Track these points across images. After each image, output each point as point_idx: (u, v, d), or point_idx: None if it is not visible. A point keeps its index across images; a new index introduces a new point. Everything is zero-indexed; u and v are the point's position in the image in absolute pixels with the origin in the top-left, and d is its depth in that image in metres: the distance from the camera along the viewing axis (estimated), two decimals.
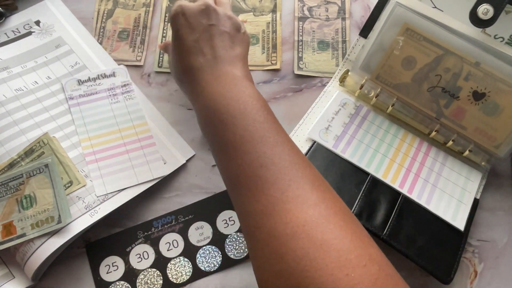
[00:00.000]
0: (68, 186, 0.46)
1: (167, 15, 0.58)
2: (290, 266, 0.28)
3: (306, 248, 0.28)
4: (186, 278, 0.46)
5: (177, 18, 0.43)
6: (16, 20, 0.56)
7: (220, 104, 0.37)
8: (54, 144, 0.47)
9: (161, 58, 0.56)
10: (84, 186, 0.46)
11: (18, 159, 0.46)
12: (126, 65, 0.55)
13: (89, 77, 0.52)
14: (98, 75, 0.53)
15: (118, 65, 0.54)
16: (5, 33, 0.55)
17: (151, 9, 0.59)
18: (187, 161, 0.51)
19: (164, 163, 0.49)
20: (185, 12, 0.42)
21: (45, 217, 0.43)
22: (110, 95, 0.52)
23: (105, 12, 0.58)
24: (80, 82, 0.52)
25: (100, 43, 0.56)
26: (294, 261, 0.28)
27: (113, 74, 0.53)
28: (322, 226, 0.29)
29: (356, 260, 0.28)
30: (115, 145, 0.49)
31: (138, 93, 0.53)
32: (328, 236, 0.29)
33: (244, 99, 0.37)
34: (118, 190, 0.47)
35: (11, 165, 0.46)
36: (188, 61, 0.42)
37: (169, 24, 0.58)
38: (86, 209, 0.45)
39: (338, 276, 0.27)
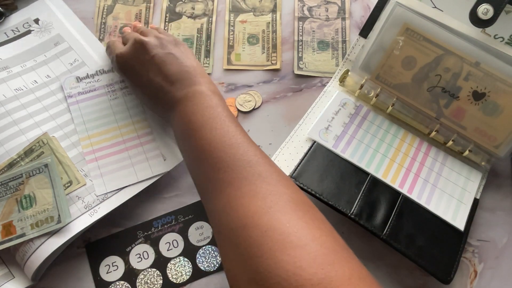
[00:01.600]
0: (68, 186, 0.46)
1: (167, 15, 0.58)
2: (243, 254, 0.31)
3: (254, 236, 0.31)
4: (186, 278, 0.46)
5: (120, 67, 0.48)
6: (15, 19, 0.56)
7: (185, 123, 0.41)
8: (54, 144, 0.47)
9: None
10: (84, 185, 0.46)
11: (18, 159, 0.46)
12: None
13: (87, 73, 0.52)
14: (96, 71, 0.52)
15: None
16: (5, 33, 0.55)
17: (151, 5, 0.59)
18: None
19: (164, 160, 0.49)
20: (125, 59, 0.47)
21: (45, 217, 0.43)
22: (109, 91, 0.52)
23: (105, 8, 0.58)
24: (78, 79, 0.51)
25: (102, 39, 0.56)
26: (245, 249, 0.31)
27: (111, 70, 0.53)
28: (269, 215, 0.32)
29: (297, 241, 0.30)
30: (115, 142, 0.49)
31: None
32: (273, 222, 0.32)
33: (203, 113, 0.40)
34: (118, 189, 0.47)
35: (11, 165, 0.46)
36: (151, 97, 0.45)
37: (170, 24, 0.58)
38: (85, 208, 0.45)
39: (280, 257, 0.30)
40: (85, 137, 0.49)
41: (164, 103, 0.44)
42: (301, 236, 0.31)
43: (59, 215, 0.43)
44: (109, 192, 0.46)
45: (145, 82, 0.45)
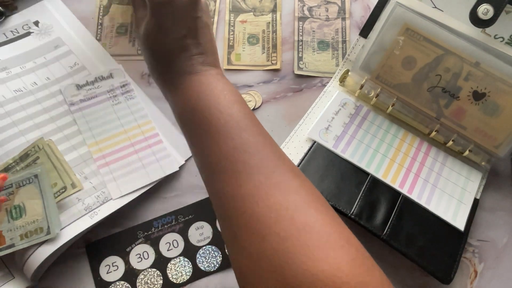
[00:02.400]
0: (62, 192, 0.45)
1: None
2: (272, 247, 0.29)
3: (289, 230, 0.29)
4: (186, 278, 0.46)
5: (163, 7, 0.39)
6: (15, 21, 0.56)
7: (202, 92, 0.37)
8: (50, 148, 0.47)
9: None
10: (80, 190, 0.46)
11: (13, 164, 0.46)
12: (128, 60, 0.55)
13: (86, 80, 0.52)
14: (95, 77, 0.52)
15: (120, 60, 0.54)
16: (4, 34, 0.55)
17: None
18: (186, 160, 0.51)
19: (173, 159, 0.50)
20: (174, 2, 0.39)
21: (34, 228, 0.43)
22: (110, 97, 0.52)
23: (101, 8, 0.58)
24: (78, 87, 0.51)
25: (99, 40, 0.56)
26: (277, 242, 0.29)
27: (110, 76, 0.53)
28: (304, 211, 0.31)
29: (335, 242, 0.29)
30: (123, 146, 0.49)
31: (138, 92, 0.53)
32: (309, 219, 0.30)
33: (228, 89, 0.38)
34: (133, 191, 0.47)
35: (6, 169, 0.45)
36: (170, 57, 0.39)
37: None
38: (86, 210, 0.45)
39: (319, 256, 0.28)
40: (93, 143, 0.49)
41: (181, 67, 0.39)
42: (339, 237, 0.30)
43: (48, 226, 0.43)
44: (125, 195, 0.47)
45: (175, 34, 0.38)
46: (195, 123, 0.37)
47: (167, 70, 0.40)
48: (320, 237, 0.29)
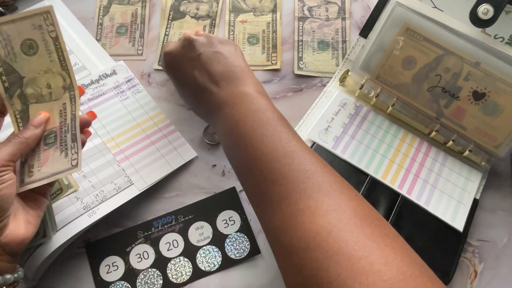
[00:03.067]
0: (58, 194, 0.45)
1: (171, 13, 0.58)
2: (307, 279, 0.29)
3: (319, 260, 0.28)
4: (186, 278, 0.46)
5: (167, 65, 0.47)
6: None
7: (231, 128, 0.38)
8: None
9: (161, 55, 0.56)
10: (75, 190, 0.46)
11: None
12: (128, 60, 0.55)
13: (91, 80, 0.52)
14: (99, 76, 0.53)
15: (119, 60, 0.54)
16: None
17: (147, 4, 0.59)
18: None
19: (189, 146, 0.51)
20: (172, 56, 0.45)
21: None
22: (118, 93, 0.52)
23: (101, 8, 0.58)
24: (84, 86, 0.52)
25: (99, 40, 0.56)
26: (310, 273, 0.29)
27: (114, 72, 0.53)
28: (333, 235, 0.29)
29: (368, 267, 0.27)
30: (140, 139, 0.50)
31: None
32: (339, 244, 0.28)
33: (251, 117, 0.37)
34: (118, 191, 0.47)
35: None
36: (196, 98, 0.44)
37: (173, 22, 0.58)
38: (84, 209, 0.45)
39: (351, 286, 0.27)
40: (109, 139, 0.50)
41: (209, 104, 0.42)
42: (373, 261, 0.27)
43: (44, 229, 0.42)
44: (149, 185, 0.48)
45: (190, 81, 0.43)
46: (231, 158, 0.39)
47: (200, 108, 0.45)
48: (351, 263, 0.28)
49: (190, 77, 0.43)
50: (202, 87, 0.42)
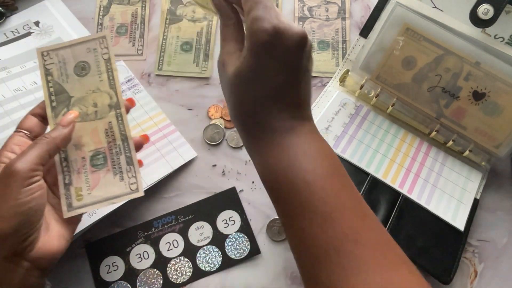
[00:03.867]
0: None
1: (168, 17, 0.58)
2: None
3: None
4: (186, 278, 0.46)
5: (268, 48, 0.30)
6: (15, 21, 0.56)
7: (297, 167, 0.31)
8: None
9: (161, 61, 0.56)
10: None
11: None
12: (128, 60, 0.55)
13: None
14: None
15: (119, 61, 0.54)
16: (4, 34, 0.55)
17: (148, 4, 0.59)
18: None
19: (189, 146, 0.51)
20: (283, 43, 0.30)
21: None
22: None
23: (101, 8, 0.58)
24: None
25: None
26: None
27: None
28: None
29: None
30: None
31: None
32: None
33: (320, 158, 0.32)
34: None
35: None
36: (260, 107, 0.32)
37: (170, 26, 0.58)
38: None
39: None
40: None
41: (269, 123, 0.32)
42: None
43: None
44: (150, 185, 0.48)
45: (266, 87, 0.31)
46: (288, 198, 0.31)
47: (253, 122, 0.32)
48: None
49: (277, 77, 0.31)
50: (281, 99, 0.32)
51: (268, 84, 0.31)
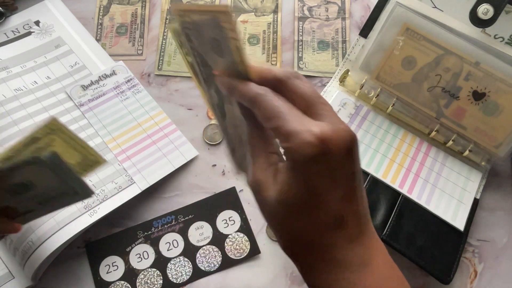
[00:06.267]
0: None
1: (167, 17, 0.58)
2: None
3: None
4: (186, 278, 0.46)
5: (315, 164, 0.25)
6: (15, 20, 0.56)
7: None
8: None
9: (161, 61, 0.56)
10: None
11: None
12: (128, 60, 0.55)
13: (91, 80, 0.52)
14: (99, 76, 0.53)
15: (119, 61, 0.55)
16: (5, 33, 0.55)
17: (147, 4, 0.59)
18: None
19: (190, 145, 0.51)
20: (329, 155, 0.25)
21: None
22: (118, 93, 0.52)
23: (101, 8, 0.58)
24: (84, 87, 0.52)
25: (99, 40, 0.56)
26: None
27: (113, 73, 0.53)
28: None
29: None
30: (141, 139, 0.50)
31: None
32: None
33: None
34: (120, 189, 0.47)
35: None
36: (319, 238, 0.26)
37: (170, 28, 0.58)
38: (85, 209, 0.45)
39: None
40: (111, 140, 0.50)
41: (332, 254, 0.26)
42: None
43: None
44: (150, 185, 0.47)
45: (323, 212, 0.26)
46: None
47: (316, 257, 0.27)
48: None
49: (333, 197, 0.26)
50: (341, 222, 0.26)
51: (324, 209, 0.25)
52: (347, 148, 0.25)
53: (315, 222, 0.26)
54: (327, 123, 0.25)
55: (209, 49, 0.29)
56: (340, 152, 0.25)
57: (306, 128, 0.25)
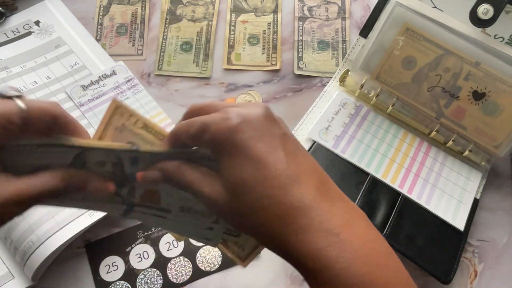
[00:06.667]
0: None
1: (167, 17, 0.58)
2: None
3: None
4: (186, 278, 0.46)
5: (238, 131, 0.26)
6: (16, 20, 0.56)
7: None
8: None
9: (161, 61, 0.56)
10: None
11: None
12: (128, 60, 0.55)
13: (91, 80, 0.52)
14: (99, 76, 0.53)
15: (119, 60, 0.55)
16: (5, 33, 0.55)
17: (147, 4, 0.59)
18: None
19: None
20: (250, 121, 0.26)
21: None
22: (118, 93, 0.52)
23: (101, 8, 0.58)
24: (84, 87, 0.52)
25: (99, 40, 0.56)
26: None
27: (113, 73, 0.53)
28: None
29: None
30: None
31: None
32: None
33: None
34: None
35: None
36: (283, 197, 0.26)
37: (170, 26, 0.58)
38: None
39: None
40: None
41: (302, 217, 0.26)
42: None
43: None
44: None
45: (279, 166, 0.26)
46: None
47: (285, 229, 0.26)
48: None
49: (280, 162, 0.26)
50: (299, 182, 0.26)
51: (273, 170, 0.26)
52: (264, 114, 0.27)
53: (271, 186, 0.26)
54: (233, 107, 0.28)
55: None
56: (259, 119, 0.27)
57: (216, 114, 0.27)
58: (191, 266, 0.47)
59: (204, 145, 0.28)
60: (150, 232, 0.48)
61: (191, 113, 0.30)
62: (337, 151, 0.49)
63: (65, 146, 0.28)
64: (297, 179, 0.26)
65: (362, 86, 0.52)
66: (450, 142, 0.50)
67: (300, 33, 0.58)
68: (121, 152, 0.29)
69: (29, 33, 0.55)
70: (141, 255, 0.47)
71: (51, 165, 0.28)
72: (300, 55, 0.57)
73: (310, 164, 0.28)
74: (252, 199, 0.26)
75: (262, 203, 0.26)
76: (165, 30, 0.57)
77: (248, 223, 0.27)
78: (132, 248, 0.47)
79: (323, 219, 0.26)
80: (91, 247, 0.47)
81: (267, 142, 0.27)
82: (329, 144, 0.50)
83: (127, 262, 0.46)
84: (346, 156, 0.49)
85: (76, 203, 0.31)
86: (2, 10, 0.55)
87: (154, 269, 0.46)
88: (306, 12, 0.59)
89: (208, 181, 0.28)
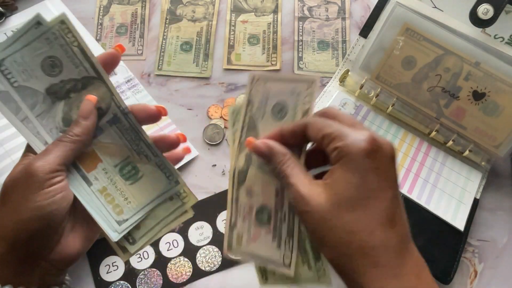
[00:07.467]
0: None
1: (167, 17, 0.58)
2: None
3: None
4: (186, 278, 0.46)
5: (373, 153, 0.27)
6: (15, 20, 0.56)
7: None
8: None
9: (161, 61, 0.56)
10: None
11: None
12: (128, 60, 0.55)
13: None
14: None
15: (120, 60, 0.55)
16: (5, 33, 0.55)
17: (147, 4, 0.59)
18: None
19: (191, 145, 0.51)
20: (382, 151, 0.27)
21: None
22: None
23: (101, 8, 0.58)
24: None
25: (99, 40, 0.56)
26: None
27: (113, 73, 0.53)
28: None
29: None
30: None
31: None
32: None
33: None
34: None
35: None
36: (373, 232, 0.26)
37: (170, 26, 0.58)
38: None
39: None
40: None
41: (388, 258, 0.27)
42: None
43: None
44: None
45: (381, 210, 0.26)
46: None
47: (365, 257, 0.27)
48: None
49: (387, 203, 0.27)
50: (391, 226, 0.27)
51: (378, 205, 0.26)
52: (392, 154, 0.28)
53: (369, 217, 0.26)
54: (372, 132, 0.28)
55: (267, 114, 0.33)
56: (387, 156, 0.27)
57: (357, 131, 0.27)
58: (191, 266, 0.47)
59: (329, 149, 0.28)
60: None
61: (325, 114, 0.31)
62: None
63: None
64: (393, 221, 0.27)
65: (362, 86, 0.52)
66: (450, 142, 0.50)
67: (300, 33, 0.58)
68: None
69: None
70: (141, 255, 0.47)
71: None
72: (300, 55, 0.57)
73: (406, 216, 0.28)
74: (354, 219, 0.26)
75: (351, 224, 0.26)
76: (165, 30, 0.57)
77: (335, 237, 0.27)
78: None
79: (396, 265, 0.27)
80: (91, 247, 0.47)
81: (386, 178, 0.27)
82: None
83: (127, 262, 0.46)
84: None
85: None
86: (2, 10, 0.55)
87: (154, 269, 0.46)
88: (306, 12, 0.59)
89: (307, 179, 0.29)
